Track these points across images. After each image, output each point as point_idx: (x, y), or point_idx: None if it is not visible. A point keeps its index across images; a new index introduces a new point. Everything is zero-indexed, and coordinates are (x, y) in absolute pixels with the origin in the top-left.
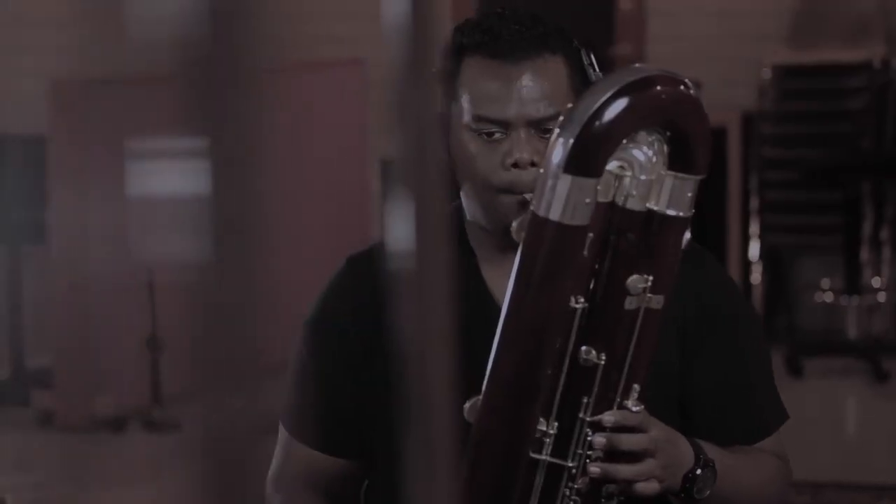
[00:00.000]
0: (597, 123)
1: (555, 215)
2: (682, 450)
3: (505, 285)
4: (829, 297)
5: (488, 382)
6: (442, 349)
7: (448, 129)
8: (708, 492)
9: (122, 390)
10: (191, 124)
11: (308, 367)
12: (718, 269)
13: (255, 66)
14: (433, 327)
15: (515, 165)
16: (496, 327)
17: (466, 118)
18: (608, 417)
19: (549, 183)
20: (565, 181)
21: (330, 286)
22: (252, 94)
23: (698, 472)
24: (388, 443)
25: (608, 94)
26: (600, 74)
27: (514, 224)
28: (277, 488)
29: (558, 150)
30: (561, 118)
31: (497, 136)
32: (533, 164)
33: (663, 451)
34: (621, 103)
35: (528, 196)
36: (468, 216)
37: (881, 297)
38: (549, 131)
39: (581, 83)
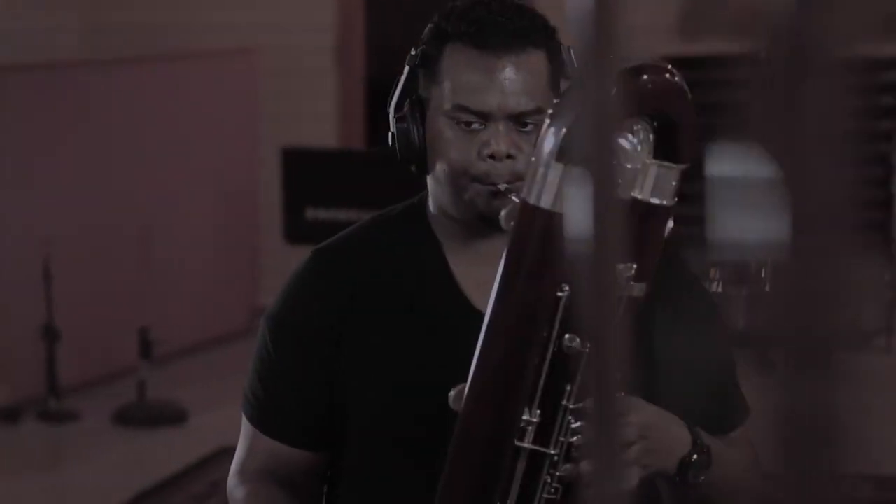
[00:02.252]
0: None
1: (546, 203)
2: (675, 433)
3: (471, 273)
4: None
5: (476, 370)
6: (617, 329)
7: (425, 112)
8: (703, 477)
9: (18, 380)
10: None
11: (273, 359)
12: (685, 263)
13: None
14: (608, 308)
15: (492, 156)
16: (462, 314)
17: (446, 105)
18: (590, 405)
19: (541, 171)
20: (557, 169)
21: (294, 279)
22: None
23: (694, 457)
24: (354, 435)
25: None
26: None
27: (503, 212)
28: (241, 480)
29: (550, 139)
30: (551, 109)
31: (475, 125)
32: (509, 157)
33: (650, 435)
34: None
35: (501, 186)
36: (432, 205)
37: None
38: (527, 125)
39: (560, 79)
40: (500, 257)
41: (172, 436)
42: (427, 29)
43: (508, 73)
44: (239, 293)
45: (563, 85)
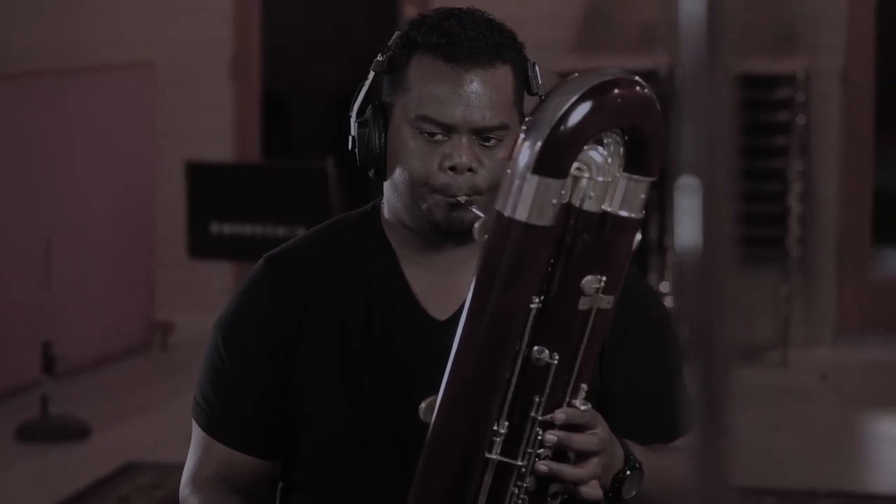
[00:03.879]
0: (564, 126)
1: (521, 216)
2: (616, 450)
3: (426, 282)
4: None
5: (448, 382)
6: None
7: (387, 118)
8: (634, 492)
9: None
10: None
11: (225, 366)
12: (635, 272)
13: None
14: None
15: (453, 168)
16: (418, 323)
17: (411, 114)
18: (559, 415)
19: (516, 184)
20: (532, 182)
21: (247, 285)
22: None
23: (628, 472)
24: (308, 443)
25: (575, 97)
26: (542, 87)
27: (476, 224)
28: (194, 488)
29: (525, 152)
30: (526, 120)
31: (438, 137)
32: (470, 170)
33: (606, 451)
34: (587, 106)
35: (461, 198)
36: (387, 213)
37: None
38: (490, 139)
39: (523, 94)
40: (455, 267)
41: (76, 451)
42: (396, 36)
43: (475, 87)
44: (138, 308)
45: (527, 101)
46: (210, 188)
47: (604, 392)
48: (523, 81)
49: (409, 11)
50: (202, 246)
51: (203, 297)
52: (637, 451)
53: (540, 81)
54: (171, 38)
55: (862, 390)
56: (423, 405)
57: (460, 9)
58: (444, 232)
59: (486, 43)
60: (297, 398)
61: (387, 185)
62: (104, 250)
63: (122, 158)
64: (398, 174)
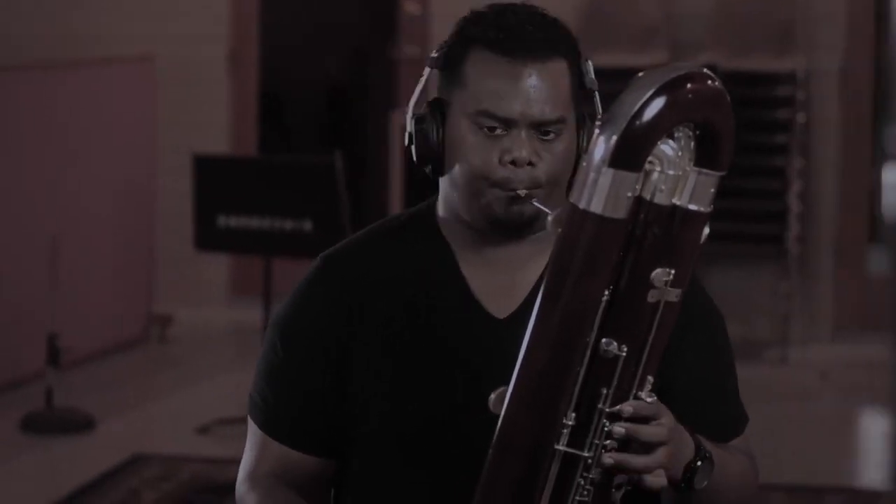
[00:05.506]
0: (640, 120)
1: (596, 208)
2: (685, 440)
3: (483, 279)
4: None
5: (519, 374)
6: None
7: (445, 114)
8: (706, 482)
9: None
10: None
11: (282, 364)
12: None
13: None
14: None
15: (513, 163)
16: (476, 320)
17: (469, 109)
18: (626, 408)
19: (592, 176)
20: (607, 175)
21: (306, 283)
22: None
23: (699, 463)
24: (362, 441)
25: (650, 92)
26: (596, 84)
27: (550, 217)
28: (252, 486)
29: (601, 146)
30: (600, 117)
31: (498, 131)
32: (530, 164)
33: (673, 441)
34: (662, 100)
35: (520, 192)
36: (443, 210)
37: None
38: (548, 133)
39: (579, 89)
40: (514, 265)
41: (81, 443)
42: (452, 32)
43: (533, 81)
44: (138, 300)
45: (582, 96)
46: (217, 181)
47: (663, 385)
48: (577, 76)
49: (408, 7)
50: (209, 239)
51: (202, 290)
52: (706, 443)
53: (593, 77)
54: (170, 33)
55: (861, 387)
56: (492, 396)
57: (514, 4)
58: (503, 226)
59: (543, 37)
60: (354, 396)
61: (444, 182)
62: (106, 244)
63: (122, 152)
64: (457, 169)
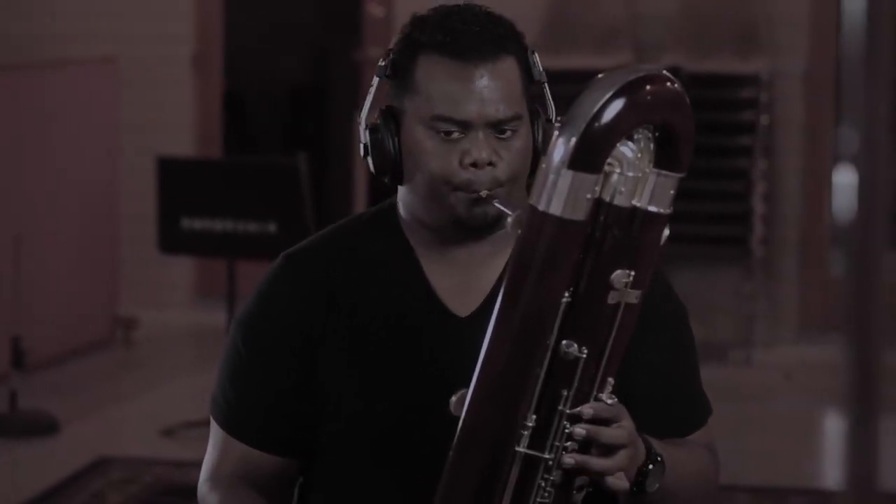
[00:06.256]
0: (599, 122)
1: (556, 210)
2: (640, 444)
3: (446, 279)
4: None
5: (479, 375)
6: (880, 315)
7: (398, 123)
8: (657, 485)
9: None
10: None
11: (245, 364)
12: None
13: None
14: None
15: (474, 165)
16: (440, 320)
17: (424, 115)
18: (587, 410)
19: (551, 178)
20: (567, 177)
21: (267, 282)
22: None
23: (650, 466)
24: (327, 441)
25: (610, 94)
26: (544, 76)
27: (510, 219)
28: (214, 486)
29: (560, 148)
30: (559, 118)
31: (455, 135)
32: (490, 164)
33: (633, 444)
34: (621, 102)
35: (482, 193)
36: (405, 213)
37: None
38: (505, 131)
39: (529, 83)
40: (475, 263)
41: (46, 446)
42: (397, 39)
43: (485, 82)
44: (103, 303)
45: (532, 89)
46: (180, 183)
47: (623, 385)
48: (526, 71)
49: (372, 10)
50: (172, 241)
51: (166, 292)
52: (657, 445)
53: (541, 69)
54: (134, 34)
55: (825, 388)
56: (453, 399)
57: (458, 5)
58: (468, 228)
59: (491, 37)
60: (317, 395)
61: (403, 189)
62: (70, 245)
63: (86, 154)
64: (416, 176)
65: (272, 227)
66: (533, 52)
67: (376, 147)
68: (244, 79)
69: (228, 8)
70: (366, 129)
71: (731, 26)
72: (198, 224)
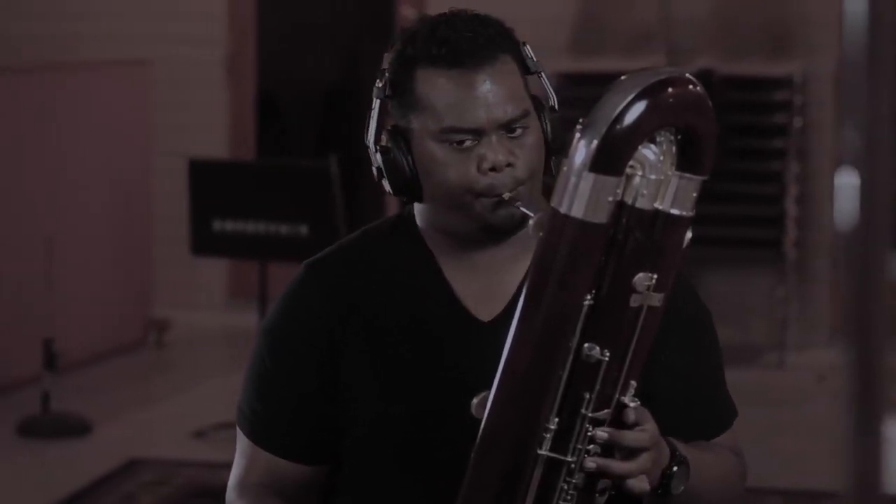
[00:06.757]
0: (620, 124)
1: (577, 213)
2: (663, 446)
3: (468, 283)
4: None
5: (501, 378)
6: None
7: (408, 140)
8: (682, 487)
9: None
10: None
11: (270, 374)
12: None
13: None
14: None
15: (493, 169)
16: (463, 324)
17: (433, 129)
18: (609, 413)
19: (572, 181)
20: (588, 179)
21: (290, 292)
22: None
23: (675, 468)
24: (352, 448)
25: (631, 96)
26: (540, 65)
27: (531, 222)
28: (241, 494)
29: (581, 150)
30: (580, 122)
31: (468, 143)
32: (508, 165)
33: (656, 446)
34: (643, 104)
35: (505, 196)
36: (422, 224)
37: None
38: (516, 130)
39: (527, 76)
40: (496, 267)
41: (77, 447)
42: (391, 58)
43: (488, 86)
44: (135, 305)
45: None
46: (212, 186)
47: (646, 388)
48: (523, 64)
49: (405, 12)
50: (204, 243)
51: (199, 294)
52: (681, 447)
53: (534, 59)
54: (168, 36)
55: None
56: (475, 401)
57: (445, 14)
58: (496, 232)
59: (484, 39)
60: (342, 402)
61: (420, 206)
62: (103, 247)
63: (119, 156)
64: (437, 190)
65: (303, 230)
66: (524, 45)
67: (390, 168)
68: (277, 81)
69: (261, 10)
70: (376, 151)
71: (764, 29)
72: (229, 226)
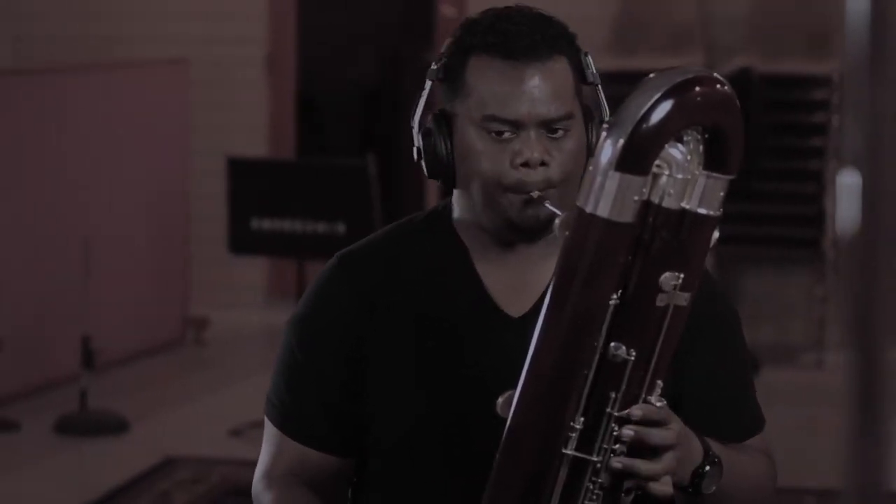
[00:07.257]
0: (647, 123)
1: (603, 212)
2: (694, 445)
3: (499, 279)
4: None
5: (526, 377)
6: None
7: (451, 125)
8: (714, 487)
9: None
10: None
11: (299, 364)
12: (705, 271)
13: None
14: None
15: (525, 165)
16: (493, 320)
17: (475, 116)
18: (636, 412)
19: (598, 180)
20: (614, 179)
21: (321, 283)
22: None
23: (707, 468)
24: (380, 440)
25: (658, 95)
26: (598, 78)
27: (557, 221)
28: (268, 484)
29: (608, 150)
30: (608, 119)
31: (506, 135)
32: (542, 164)
33: (681, 445)
34: (669, 103)
35: (534, 194)
36: (458, 213)
37: None
38: (557, 131)
39: (582, 85)
40: (528, 264)
41: (114, 445)
42: (448, 42)
43: (537, 81)
44: (173, 303)
45: (585, 90)
46: (251, 184)
47: (676, 390)
48: (579, 72)
49: (445, 11)
50: (242, 241)
51: (237, 293)
52: (715, 446)
53: (594, 70)
54: (208, 36)
55: None
56: (500, 400)
57: (509, 7)
58: (520, 230)
59: (541, 37)
60: (371, 395)
61: (457, 192)
62: (141, 246)
63: (157, 155)
64: (469, 178)
65: (341, 228)
66: (586, 54)
67: (429, 150)
68: (317, 80)
69: (301, 9)
70: (419, 132)
71: (804, 27)
72: (267, 224)
